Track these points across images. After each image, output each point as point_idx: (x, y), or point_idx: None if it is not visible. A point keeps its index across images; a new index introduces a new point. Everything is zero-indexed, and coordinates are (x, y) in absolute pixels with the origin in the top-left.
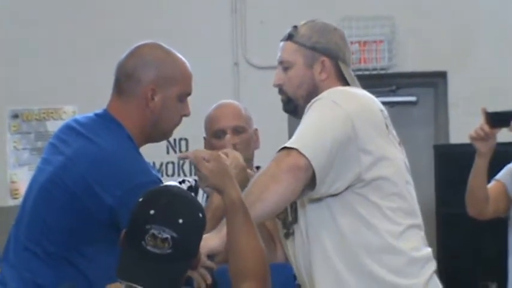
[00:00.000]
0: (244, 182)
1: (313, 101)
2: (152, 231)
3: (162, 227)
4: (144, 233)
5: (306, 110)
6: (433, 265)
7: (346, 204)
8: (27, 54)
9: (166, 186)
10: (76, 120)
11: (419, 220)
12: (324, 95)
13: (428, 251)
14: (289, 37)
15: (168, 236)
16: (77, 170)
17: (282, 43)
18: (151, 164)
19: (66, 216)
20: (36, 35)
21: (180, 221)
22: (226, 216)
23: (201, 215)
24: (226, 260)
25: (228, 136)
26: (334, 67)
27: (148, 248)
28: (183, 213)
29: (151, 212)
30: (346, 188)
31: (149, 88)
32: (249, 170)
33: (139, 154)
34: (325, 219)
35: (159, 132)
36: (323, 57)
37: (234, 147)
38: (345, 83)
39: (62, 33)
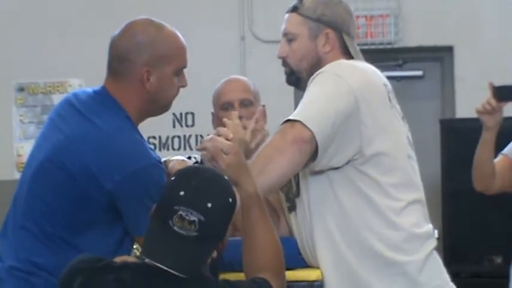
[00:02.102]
0: (245, 154)
1: (316, 73)
2: (180, 212)
3: (190, 210)
4: (172, 213)
5: (309, 83)
6: (433, 242)
7: (347, 179)
8: (32, 27)
9: (200, 168)
10: (76, 96)
11: (421, 195)
12: (327, 68)
13: (429, 227)
14: (294, 9)
15: (196, 219)
16: (76, 153)
17: (286, 15)
18: (158, 138)
19: (65, 197)
20: (42, 8)
21: (209, 205)
22: (242, 209)
23: (231, 199)
24: (231, 234)
25: (234, 113)
26: (339, 40)
27: (175, 228)
28: (212, 197)
29: (181, 193)
30: (347, 163)
31: (144, 70)
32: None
33: (139, 134)
34: (327, 194)
35: (157, 107)
36: (327, 29)
37: (241, 119)
38: (349, 56)
39: (68, 6)
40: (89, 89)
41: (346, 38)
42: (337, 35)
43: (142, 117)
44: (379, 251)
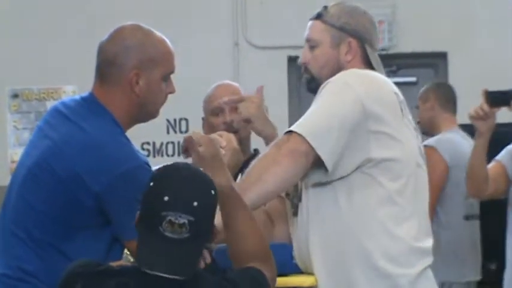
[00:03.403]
0: (237, 164)
1: (326, 82)
2: (169, 217)
3: (178, 213)
4: (161, 219)
5: (318, 91)
6: (429, 260)
7: (350, 185)
8: (27, 33)
9: (176, 167)
10: (64, 104)
11: (425, 206)
12: (337, 76)
13: (429, 243)
14: (318, 16)
15: (185, 220)
16: (65, 158)
17: (310, 22)
18: (152, 144)
19: (54, 202)
20: (36, 14)
21: (195, 204)
22: (219, 203)
23: (213, 192)
24: (224, 239)
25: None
26: (361, 49)
27: (166, 233)
28: (197, 195)
29: (166, 198)
30: (355, 169)
31: (133, 73)
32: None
33: (126, 138)
34: (328, 199)
35: (145, 113)
36: (350, 38)
37: (232, 123)
38: (370, 67)
39: (62, 12)
40: (77, 96)
41: (368, 48)
42: (359, 44)
43: (131, 123)
44: (374, 261)
